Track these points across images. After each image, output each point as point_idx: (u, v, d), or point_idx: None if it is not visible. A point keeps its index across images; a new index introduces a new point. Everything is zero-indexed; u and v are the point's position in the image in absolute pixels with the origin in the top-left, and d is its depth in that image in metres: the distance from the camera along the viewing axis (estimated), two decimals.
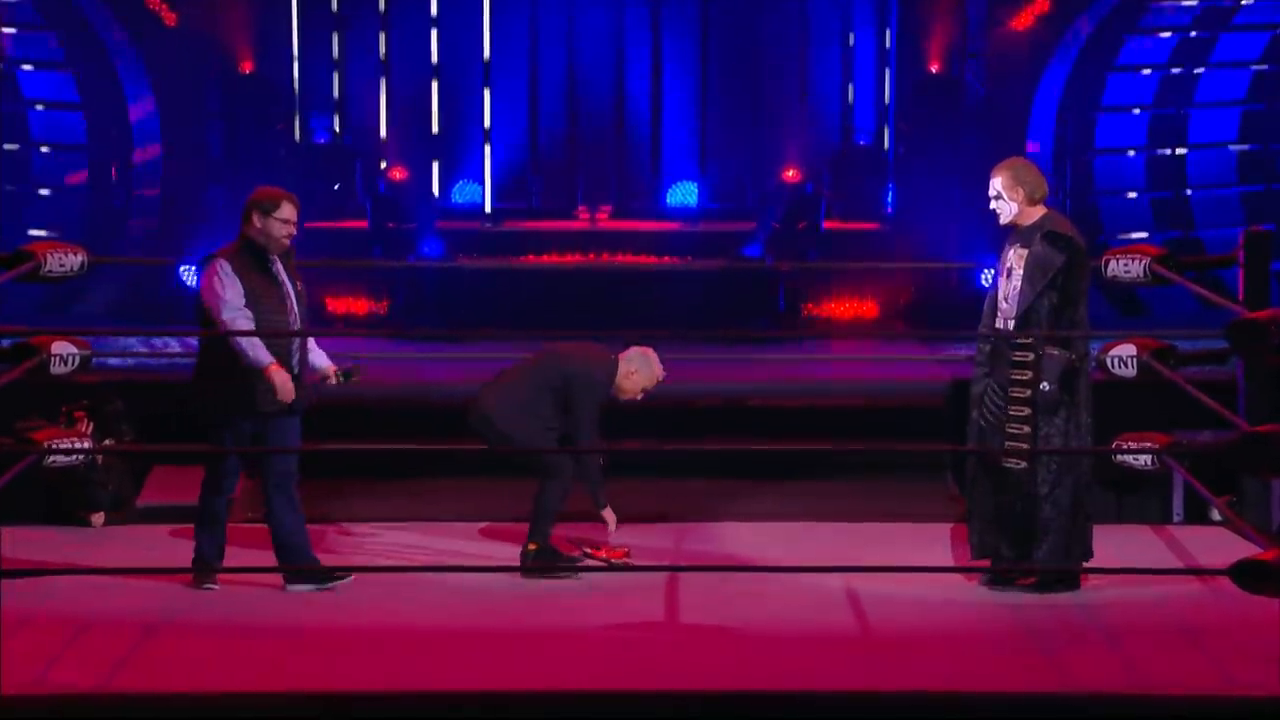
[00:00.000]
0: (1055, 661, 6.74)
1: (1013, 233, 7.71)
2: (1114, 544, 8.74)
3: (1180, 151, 15.95)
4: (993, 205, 7.70)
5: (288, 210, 7.69)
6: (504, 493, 10.08)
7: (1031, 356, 7.58)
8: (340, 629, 7.12)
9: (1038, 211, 7.67)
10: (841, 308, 14.86)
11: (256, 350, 7.59)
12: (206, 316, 7.69)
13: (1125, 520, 9.45)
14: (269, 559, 8.24)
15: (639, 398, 8.27)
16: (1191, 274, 8.21)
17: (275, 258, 7.70)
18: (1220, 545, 8.40)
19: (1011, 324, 7.62)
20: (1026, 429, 7.60)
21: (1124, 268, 8.03)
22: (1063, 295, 7.56)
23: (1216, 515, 9.29)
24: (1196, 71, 15.82)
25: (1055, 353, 7.53)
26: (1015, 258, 7.64)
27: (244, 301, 7.59)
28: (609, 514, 8.19)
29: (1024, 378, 7.60)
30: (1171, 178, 15.94)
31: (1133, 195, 15.93)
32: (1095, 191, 15.80)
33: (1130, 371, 7.88)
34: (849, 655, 6.83)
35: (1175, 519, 9.70)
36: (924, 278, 14.07)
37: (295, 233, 7.74)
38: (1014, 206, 7.64)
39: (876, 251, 14.91)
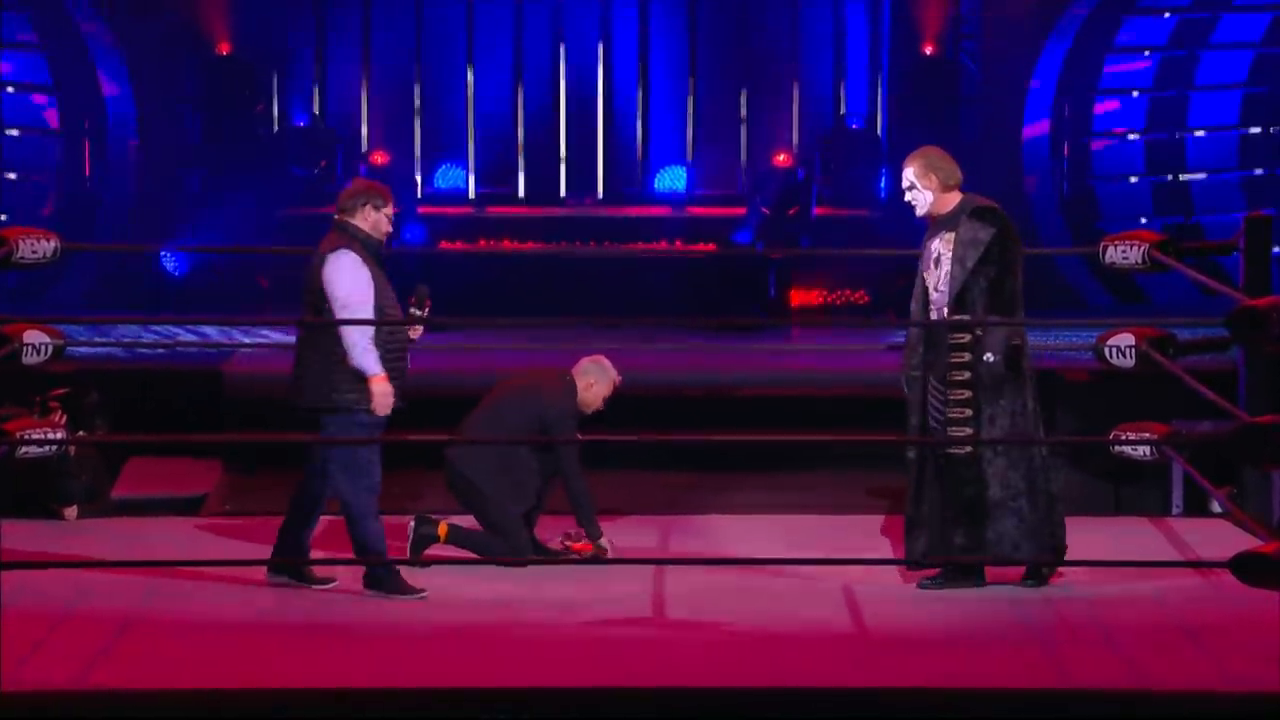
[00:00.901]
0: (1053, 657, 6.75)
1: (931, 225, 7.68)
2: (1112, 536, 8.75)
3: (1180, 135, 15.96)
4: (907, 197, 7.66)
5: (391, 206, 7.73)
6: None
7: (969, 337, 7.51)
8: (322, 624, 7.12)
9: (954, 198, 7.63)
10: (833, 296, 14.86)
11: (367, 356, 7.45)
12: (316, 304, 7.55)
13: (1123, 512, 9.48)
14: (247, 551, 8.25)
15: (601, 407, 8.32)
16: (1191, 260, 8.21)
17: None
18: (1220, 538, 8.41)
19: (946, 313, 7.56)
20: (969, 412, 7.53)
21: (1122, 254, 8.04)
22: (999, 268, 7.50)
23: (1216, 507, 9.31)
24: (1197, 53, 15.82)
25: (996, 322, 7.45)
26: (942, 245, 7.60)
27: (372, 301, 7.50)
28: (607, 543, 8.18)
29: (963, 360, 7.53)
30: (1171, 162, 15.95)
31: (1131, 180, 15.94)
32: (1093, 176, 15.81)
33: (1128, 361, 7.89)
34: (843, 651, 6.84)
35: (1174, 511, 9.72)
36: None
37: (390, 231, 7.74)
38: (928, 195, 7.62)
39: (869, 238, 14.91)
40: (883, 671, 6.60)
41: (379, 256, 7.68)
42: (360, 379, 7.49)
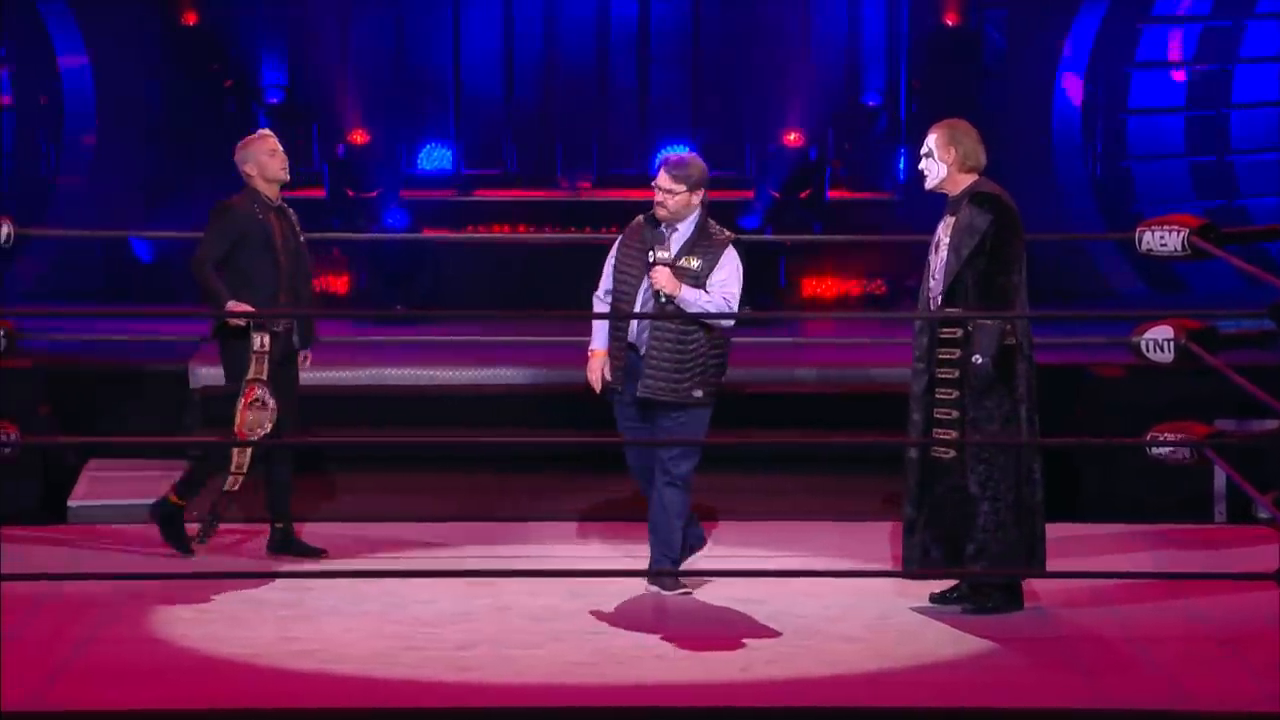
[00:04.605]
0: (1086, 675, 6.76)
1: (945, 205, 7.67)
2: (1149, 546, 8.76)
3: (1223, 111, 15.96)
4: (921, 164, 7.65)
5: (658, 177, 7.87)
6: (475, 489, 10.12)
7: (960, 333, 7.46)
8: (293, 639, 7.12)
9: (969, 180, 7.60)
10: (848, 285, 14.86)
11: (594, 332, 7.96)
12: None
13: (1161, 520, 9.47)
14: (213, 562, 8.27)
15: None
16: (1234, 247, 8.23)
17: (661, 227, 7.85)
18: (1266, 547, 8.42)
19: (938, 303, 7.53)
20: (955, 414, 7.50)
21: (1160, 240, 8.04)
22: (992, 260, 7.42)
23: (1262, 514, 9.31)
24: (1242, 22, 15.82)
25: (988, 322, 7.37)
26: (943, 229, 7.59)
27: (609, 282, 7.96)
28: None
29: (952, 357, 7.50)
30: (1213, 141, 15.95)
31: (1170, 159, 15.94)
32: (1129, 156, 15.81)
33: (1167, 355, 7.90)
34: (861, 667, 6.84)
35: (1217, 518, 9.72)
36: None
37: (659, 199, 7.86)
38: (943, 169, 7.58)
39: (886, 223, 14.90)
40: (899, 690, 6.60)
41: (650, 229, 7.89)
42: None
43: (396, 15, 16.05)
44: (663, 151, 16.11)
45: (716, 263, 7.84)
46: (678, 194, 7.84)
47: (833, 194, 15.31)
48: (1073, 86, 15.53)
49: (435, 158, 16.17)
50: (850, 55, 16.11)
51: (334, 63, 16.04)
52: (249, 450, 8.19)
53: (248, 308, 8.12)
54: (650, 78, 16.23)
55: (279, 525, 8.42)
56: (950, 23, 15.63)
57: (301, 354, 8.47)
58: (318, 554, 8.41)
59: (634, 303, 7.85)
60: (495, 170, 16.20)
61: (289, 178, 8.48)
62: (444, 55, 16.13)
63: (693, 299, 7.79)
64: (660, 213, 7.86)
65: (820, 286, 14.83)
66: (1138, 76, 15.80)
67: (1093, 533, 8.94)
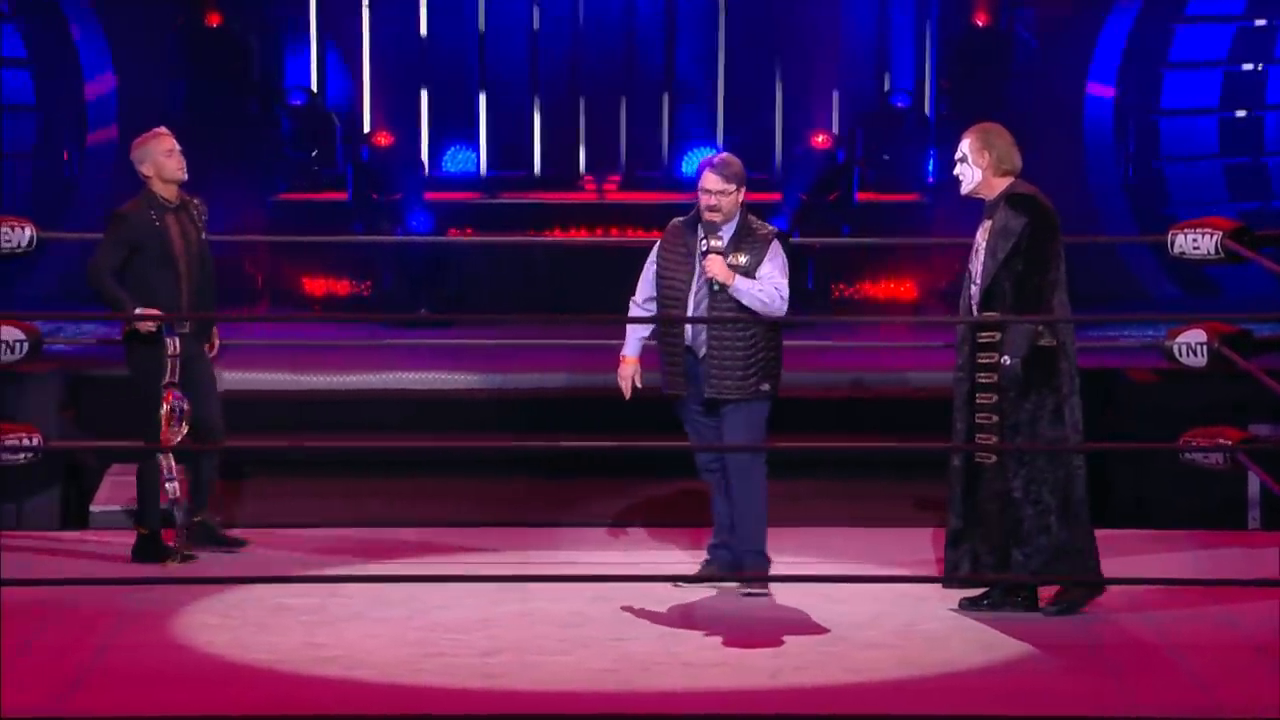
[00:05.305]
0: (1118, 682, 6.76)
1: (982, 210, 7.69)
2: (1182, 552, 8.75)
3: (1257, 113, 15.93)
4: (956, 170, 7.67)
5: (705, 179, 7.93)
6: (499, 494, 10.13)
7: (999, 335, 7.46)
8: (311, 645, 7.14)
9: (1004, 183, 7.61)
10: (877, 288, 14.85)
11: (627, 337, 8.00)
12: None
13: (1194, 526, 9.46)
14: (234, 567, 8.28)
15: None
16: (1269, 250, 8.21)
17: (699, 230, 7.93)
18: None
19: (977, 308, 7.52)
20: (995, 418, 7.50)
21: (1193, 243, 8.04)
22: (1028, 261, 7.44)
23: None
24: (1276, 23, 15.79)
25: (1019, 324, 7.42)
26: (981, 234, 7.60)
27: (649, 289, 8.02)
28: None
29: (991, 360, 7.50)
30: (1248, 142, 15.92)
31: (1204, 161, 15.90)
32: (1162, 157, 15.79)
33: (1200, 360, 7.89)
34: (890, 674, 6.84)
35: (1251, 524, 9.70)
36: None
37: (713, 203, 7.90)
38: (978, 173, 7.60)
39: (916, 226, 14.89)
40: (929, 697, 6.60)
41: (690, 232, 7.97)
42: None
43: (420, 17, 16.07)
44: (689, 153, 16.13)
45: (763, 257, 7.87)
46: (730, 193, 7.91)
47: (861, 196, 15.30)
48: (1104, 87, 15.51)
49: (460, 160, 16.18)
50: (879, 56, 16.11)
51: (358, 65, 16.07)
52: (170, 455, 8.34)
53: (153, 315, 8.24)
54: (676, 79, 16.24)
55: (198, 519, 8.47)
56: (980, 23, 15.62)
57: (208, 345, 8.55)
58: (239, 545, 8.51)
59: (684, 306, 7.88)
60: (520, 172, 16.22)
61: (186, 177, 8.56)
62: (469, 56, 16.15)
63: (746, 288, 7.84)
64: (714, 217, 7.90)
65: (849, 289, 14.83)
66: (1171, 77, 15.77)
67: (1126, 538, 8.93)
